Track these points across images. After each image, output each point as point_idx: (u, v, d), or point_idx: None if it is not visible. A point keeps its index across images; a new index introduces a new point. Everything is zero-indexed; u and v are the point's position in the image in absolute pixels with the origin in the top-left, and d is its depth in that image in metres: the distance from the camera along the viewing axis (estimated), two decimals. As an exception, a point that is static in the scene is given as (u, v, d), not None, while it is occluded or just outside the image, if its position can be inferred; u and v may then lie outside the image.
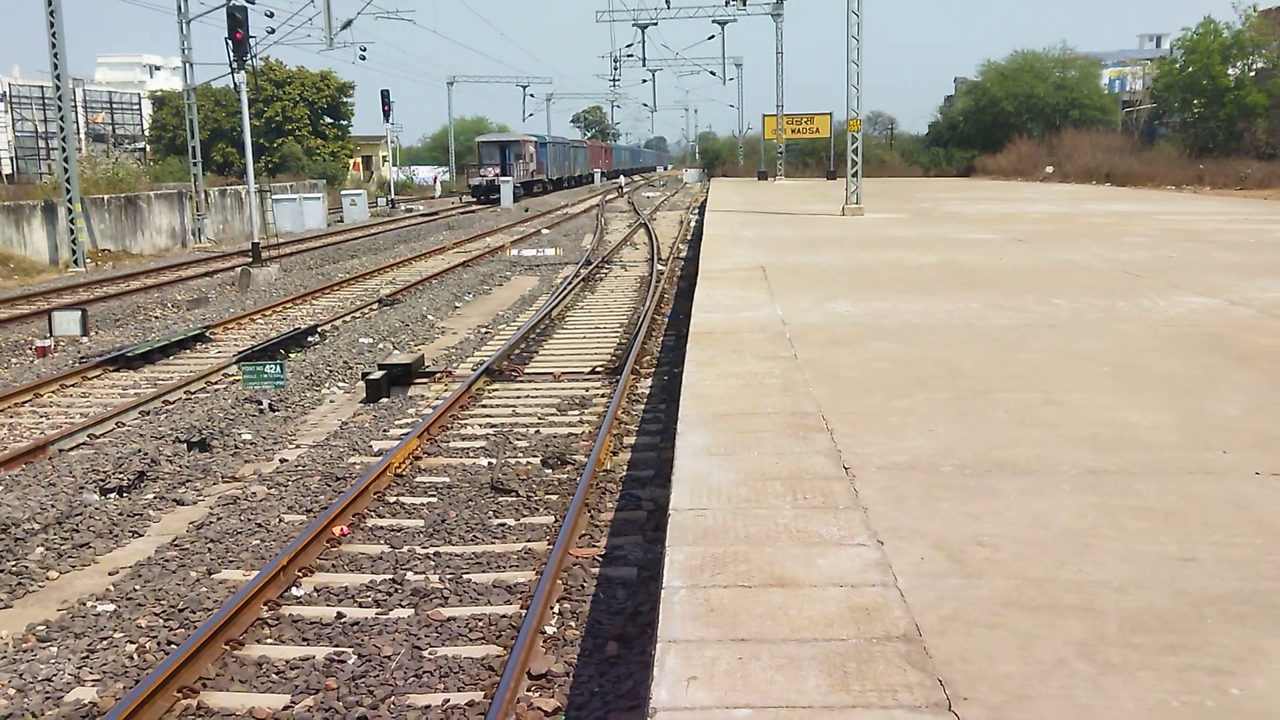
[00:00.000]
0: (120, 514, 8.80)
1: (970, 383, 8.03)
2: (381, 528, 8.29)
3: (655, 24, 59.32)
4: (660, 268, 24.31)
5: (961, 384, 7.99)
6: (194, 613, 6.84)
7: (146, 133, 64.26)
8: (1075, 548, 4.81)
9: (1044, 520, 5.15)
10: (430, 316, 18.88)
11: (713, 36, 64.76)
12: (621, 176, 68.12)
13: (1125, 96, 67.34)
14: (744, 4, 54.27)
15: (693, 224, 36.90)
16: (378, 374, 12.95)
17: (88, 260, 29.70)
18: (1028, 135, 59.13)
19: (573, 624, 6.53)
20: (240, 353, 15.09)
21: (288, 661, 6.12)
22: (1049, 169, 52.05)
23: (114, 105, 61.34)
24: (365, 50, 46.86)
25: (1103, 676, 3.67)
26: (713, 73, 71.87)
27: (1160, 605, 4.23)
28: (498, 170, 57.76)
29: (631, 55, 64.44)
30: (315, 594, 7.09)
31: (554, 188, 66.66)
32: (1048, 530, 5.02)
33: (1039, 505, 5.35)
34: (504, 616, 6.63)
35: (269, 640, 6.45)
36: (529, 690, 5.72)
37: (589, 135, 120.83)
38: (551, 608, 6.70)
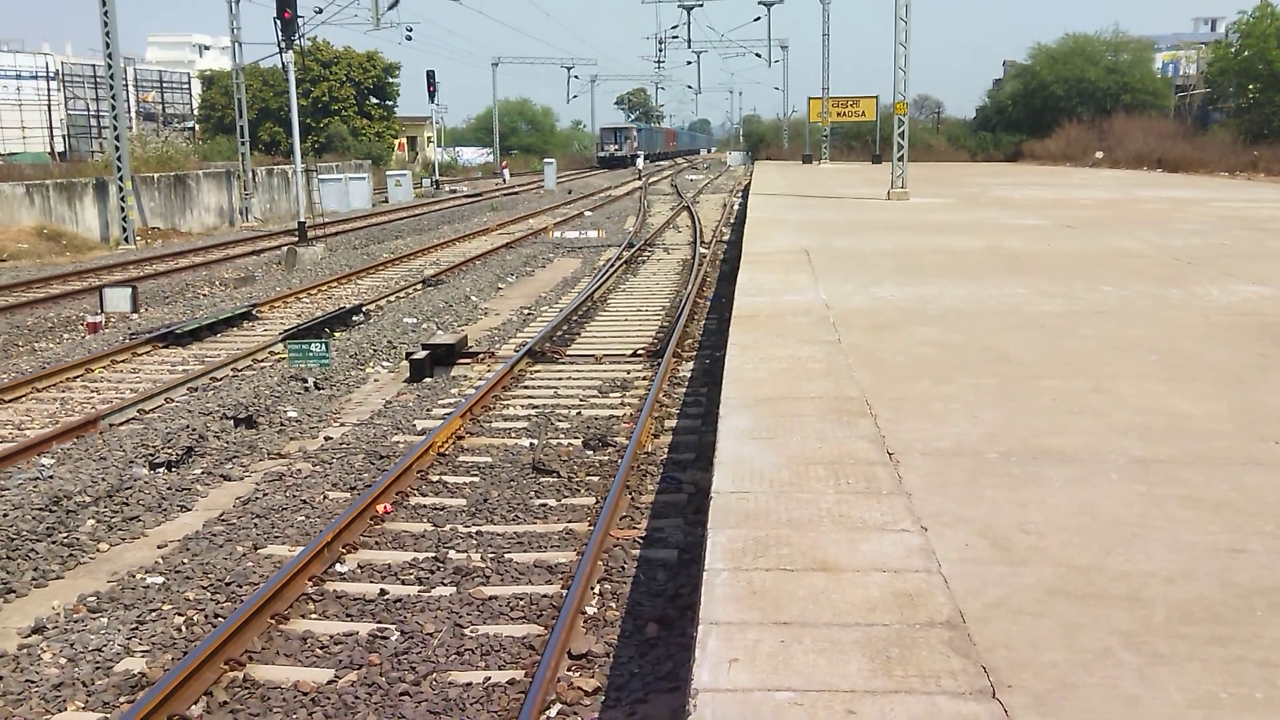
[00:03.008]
0: (169, 488, 8.94)
1: (1017, 369, 7.95)
2: (424, 506, 8.36)
3: (701, 5, 59.21)
4: (703, 251, 24.25)
5: (1008, 370, 7.92)
6: (240, 587, 6.94)
7: (195, 112, 64.95)
8: (1122, 537, 4.76)
9: (1091, 509, 5.09)
10: (473, 297, 18.97)
11: (759, 18, 64.69)
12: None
13: (1178, 81, 66.08)
14: (791, -15, 53.84)
15: (736, 207, 36.78)
16: (421, 354, 13.03)
17: (138, 238, 30.10)
18: (1078, 120, 58.21)
19: (613, 605, 6.55)
20: (286, 331, 15.24)
21: (332, 636, 6.20)
22: (1099, 154, 51.29)
23: (164, 84, 62.09)
24: (411, 30, 47.01)
25: (1149, 667, 3.63)
26: (758, 55, 71.39)
27: (1209, 596, 4.18)
28: (616, 147, 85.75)
29: (677, 37, 64.31)
30: (359, 570, 7.17)
31: (646, 159, 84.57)
32: (1094, 519, 4.97)
33: (1086, 494, 5.30)
34: (545, 596, 6.67)
35: (313, 615, 6.53)
36: (569, 670, 5.75)
37: (632, 118, 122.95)
38: (592, 588, 6.73)
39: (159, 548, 7.77)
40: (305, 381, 12.51)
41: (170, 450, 9.85)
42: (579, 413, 10.94)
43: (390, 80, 68.05)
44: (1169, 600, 4.14)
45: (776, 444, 6.13)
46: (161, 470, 9.43)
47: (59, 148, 51.07)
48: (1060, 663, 3.66)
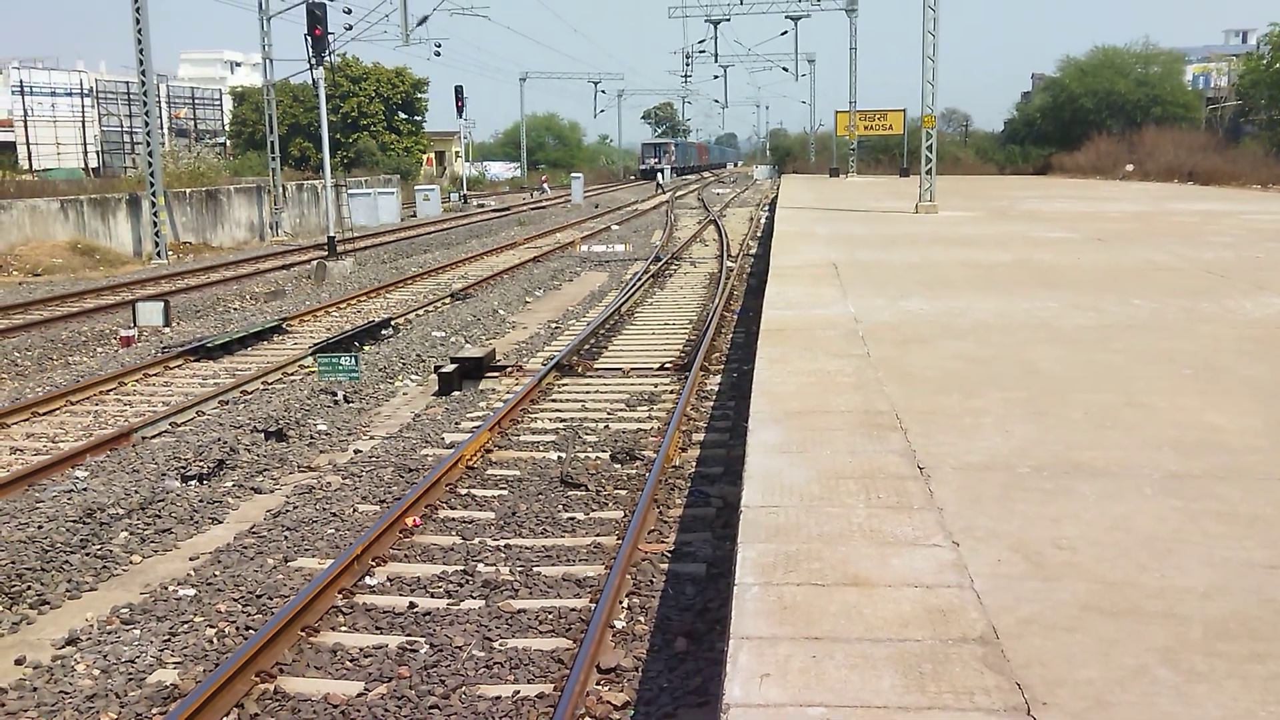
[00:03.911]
0: (200, 501, 9.01)
1: (1047, 383, 7.90)
2: (453, 519, 8.38)
3: (728, 19, 59.05)
4: (730, 264, 24.25)
5: (1038, 384, 7.86)
6: (271, 599, 6.97)
7: (227, 128, 65.56)
8: (1157, 552, 4.71)
9: (1125, 524, 5.05)
10: (501, 311, 19.03)
11: (785, 32, 64.71)
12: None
13: (1209, 93, 65.56)
14: (817, 0, 53.84)
15: (763, 220, 36.76)
16: (450, 367, 13.08)
17: (170, 252, 30.39)
18: (1107, 133, 57.84)
19: (642, 619, 6.54)
20: (316, 345, 15.34)
21: (361, 649, 6.22)
22: (1129, 167, 50.92)
23: (196, 101, 62.71)
24: (440, 46, 47.29)
25: (1187, 684, 3.59)
26: (785, 69, 71.28)
27: (1246, 612, 4.12)
28: (656, 160, 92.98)
29: (704, 51, 64.28)
30: (388, 583, 7.19)
31: (680, 172, 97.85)
32: (1129, 534, 4.92)
33: (1119, 508, 5.25)
34: (573, 610, 6.67)
35: (343, 628, 6.56)
36: (598, 684, 5.75)
37: (659, 132, 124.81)
38: (620, 602, 6.72)
39: (191, 560, 7.83)
40: (335, 395, 12.58)
41: (202, 463, 9.92)
42: (606, 426, 10.95)
43: (419, 95, 68.55)
44: (1206, 616, 4.09)
45: (806, 458, 6.11)
46: (193, 483, 9.50)
47: (93, 164, 51.66)
48: (1096, 680, 3.62)
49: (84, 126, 52.59)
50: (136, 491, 9.07)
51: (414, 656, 6.12)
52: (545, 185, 68.76)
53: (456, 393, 12.75)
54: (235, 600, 6.98)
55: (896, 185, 44.50)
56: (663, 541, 7.77)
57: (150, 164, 30.11)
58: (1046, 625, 4.02)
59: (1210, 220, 23.61)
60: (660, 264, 24.88)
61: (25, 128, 51.41)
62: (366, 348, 15.58)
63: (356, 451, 10.49)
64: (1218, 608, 4.16)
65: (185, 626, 6.62)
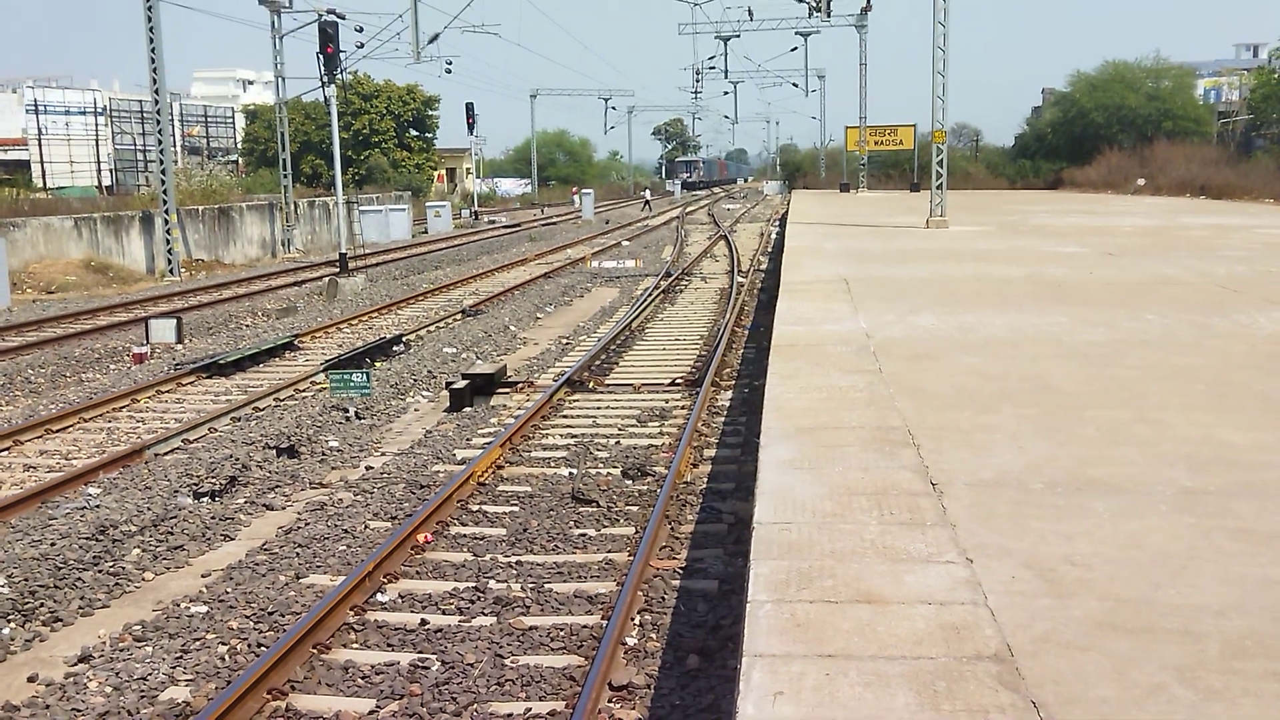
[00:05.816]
0: (213, 517, 9.03)
1: (1060, 399, 7.87)
2: (464, 535, 8.38)
3: (738, 36, 59.33)
4: (740, 280, 24.25)
5: (1051, 400, 7.83)
6: (283, 616, 6.97)
7: (239, 145, 65.88)
8: (1172, 569, 4.68)
9: (1139, 540, 5.02)
10: (512, 327, 19.06)
11: (795, 48, 64.86)
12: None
13: (1221, 107, 65.38)
14: (828, 16, 53.88)
15: (773, 236, 36.77)
16: (461, 383, 13.10)
17: (182, 269, 30.53)
18: (1118, 147, 57.71)
19: (653, 636, 6.53)
20: (328, 361, 15.38)
21: (373, 666, 6.21)
22: (1140, 182, 50.80)
23: (209, 119, 63.01)
24: (451, 64, 47.43)
25: (1203, 702, 3.56)
26: (795, 84, 71.44)
27: (1262, 630, 4.09)
28: (687, 175, 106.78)
29: (714, 68, 64.50)
30: (400, 600, 7.19)
31: (705, 185, 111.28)
32: (1143, 551, 4.90)
33: (1133, 525, 5.22)
34: (585, 627, 6.66)
35: (355, 645, 6.56)
36: (610, 701, 5.73)
37: (669, 148, 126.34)
38: (632, 619, 6.71)
39: (203, 576, 7.84)
40: (346, 411, 12.60)
41: (214, 480, 9.95)
42: (618, 442, 10.94)
43: (430, 113, 68.79)
44: (1222, 634, 4.06)
45: (818, 474, 6.10)
46: (205, 499, 9.52)
47: (106, 182, 51.93)
48: (1111, 698, 3.59)
49: (97, 145, 52.89)
50: (149, 508, 9.09)
51: (425, 674, 6.11)
52: (575, 197, 70.14)
53: (468, 409, 12.76)
54: (247, 617, 6.98)
55: (907, 200, 44.48)
56: (674, 558, 7.75)
57: (163, 182, 30.30)
58: (1061, 643, 4.00)
59: (1222, 235, 23.55)
60: (671, 280, 24.91)
61: (39, 146, 51.72)
62: (378, 364, 15.62)
63: (368, 468, 10.50)
64: (1234, 625, 4.14)
65: (197, 643, 6.63)
